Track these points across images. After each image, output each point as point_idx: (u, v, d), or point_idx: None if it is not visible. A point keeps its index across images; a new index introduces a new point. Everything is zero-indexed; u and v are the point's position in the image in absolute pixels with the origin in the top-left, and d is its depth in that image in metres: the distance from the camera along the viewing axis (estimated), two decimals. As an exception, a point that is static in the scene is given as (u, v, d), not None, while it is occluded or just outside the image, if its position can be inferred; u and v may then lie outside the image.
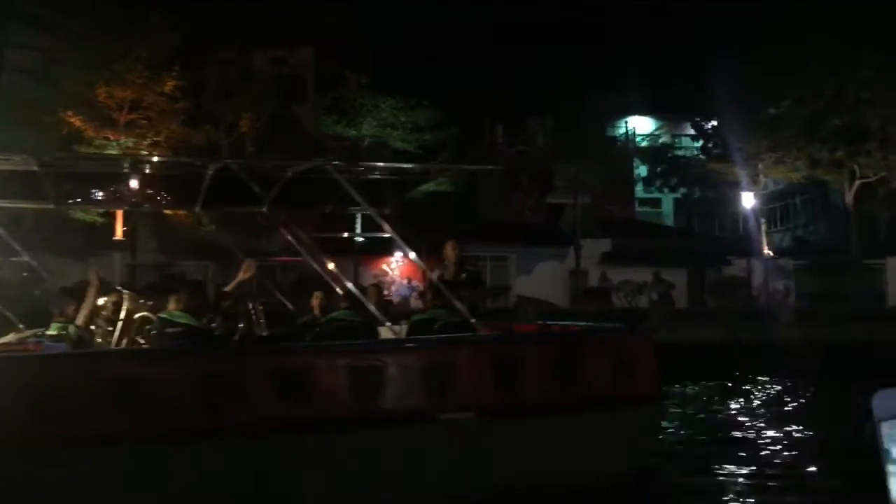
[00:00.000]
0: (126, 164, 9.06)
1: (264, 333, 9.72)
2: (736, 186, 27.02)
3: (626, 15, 32.82)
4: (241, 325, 9.13)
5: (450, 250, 9.68)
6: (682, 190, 34.31)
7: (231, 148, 21.05)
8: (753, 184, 26.09)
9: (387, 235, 8.98)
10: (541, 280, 29.32)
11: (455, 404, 7.75)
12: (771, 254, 26.63)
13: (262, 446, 6.67)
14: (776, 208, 41.67)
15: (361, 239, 21.69)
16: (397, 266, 28.09)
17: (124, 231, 20.49)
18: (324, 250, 10.15)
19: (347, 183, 8.18)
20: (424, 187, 24.07)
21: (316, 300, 8.91)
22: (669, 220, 41.75)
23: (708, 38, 26.30)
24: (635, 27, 33.17)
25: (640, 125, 40.27)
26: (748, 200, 26.16)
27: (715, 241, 32.39)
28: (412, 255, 8.80)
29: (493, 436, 7.42)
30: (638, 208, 41.26)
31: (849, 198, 25.29)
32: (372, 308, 8.17)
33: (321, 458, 6.88)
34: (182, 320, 7.18)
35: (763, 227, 27.25)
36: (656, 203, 41.68)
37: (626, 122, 37.03)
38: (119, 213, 20.32)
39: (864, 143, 22.52)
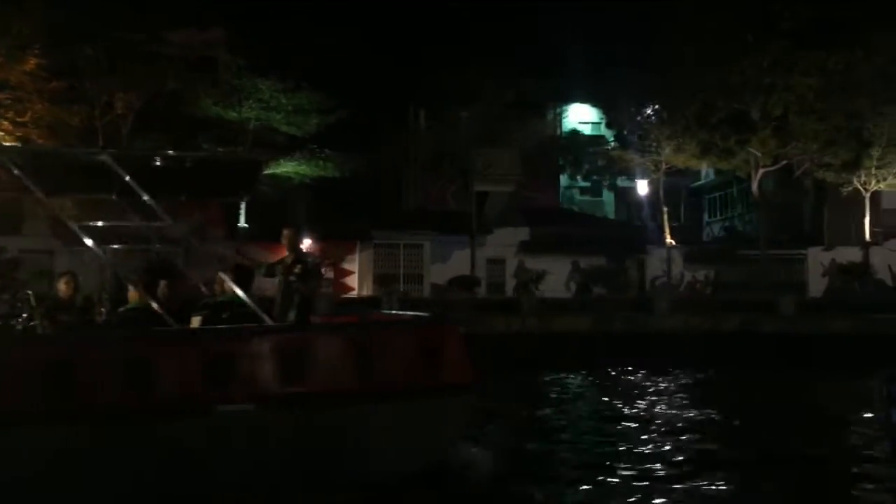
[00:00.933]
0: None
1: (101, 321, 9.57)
2: (646, 174, 26.56)
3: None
4: (24, 315, 8.90)
5: (287, 239, 9.36)
6: (593, 177, 33.82)
7: (106, 129, 20.53)
8: (656, 171, 25.68)
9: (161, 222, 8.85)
10: (457, 268, 28.85)
11: (233, 395, 7.47)
12: (673, 243, 26.17)
13: (25, 437, 6.46)
14: (716, 198, 41.44)
15: (245, 225, 21.33)
16: (328, 255, 27.55)
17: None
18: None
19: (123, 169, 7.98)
20: (310, 172, 23.70)
21: (159, 289, 8.75)
22: (611, 209, 41.38)
23: (619, 26, 25.89)
24: (567, 13, 32.45)
25: (582, 114, 39.74)
26: (643, 188, 25.73)
27: (637, 229, 31.94)
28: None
29: (274, 428, 7.25)
30: (579, 197, 40.88)
31: (754, 186, 24.89)
32: (150, 300, 7.97)
33: (85, 451, 6.66)
34: None
35: (665, 216, 26.73)
36: (598, 191, 41.21)
37: (556, 110, 36.45)
38: (-14, 198, 19.82)
39: (757, 132, 22.14)
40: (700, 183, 40.60)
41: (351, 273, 29.12)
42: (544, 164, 32.55)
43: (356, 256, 28.97)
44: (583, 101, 35.33)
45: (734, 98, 22.21)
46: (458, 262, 29.30)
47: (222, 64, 21.68)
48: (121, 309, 8.95)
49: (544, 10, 30.55)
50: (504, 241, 29.93)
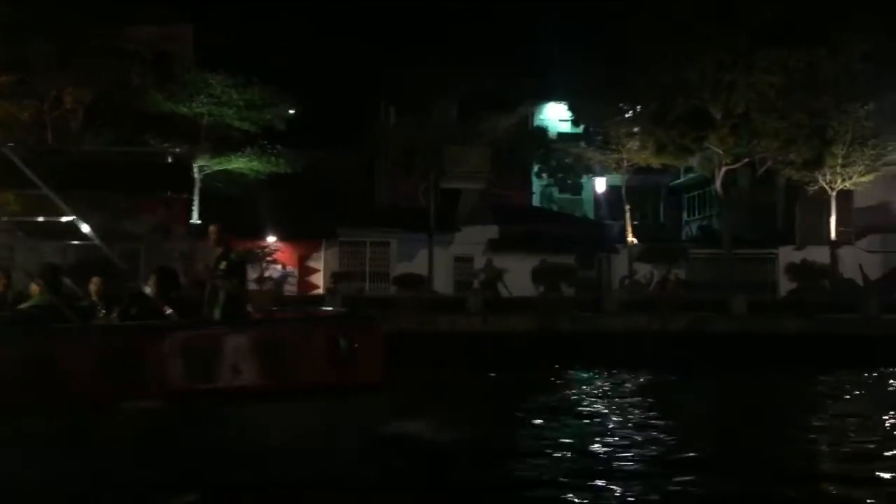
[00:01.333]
0: None
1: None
2: (611, 172, 26.37)
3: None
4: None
5: (213, 235, 9.26)
6: (559, 175, 33.57)
7: (56, 124, 20.38)
8: (618, 168, 25.48)
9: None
10: (423, 266, 28.64)
11: (140, 392, 7.37)
12: (635, 241, 25.94)
13: None
14: (694, 196, 41.14)
15: (198, 221, 21.16)
16: (271, 250, 27.39)
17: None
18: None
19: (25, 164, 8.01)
20: (262, 168, 23.55)
21: (93, 286, 8.89)
22: (590, 207, 41.12)
23: (584, 23, 25.72)
24: (538, 12, 32.21)
25: (561, 112, 39.46)
26: (601, 186, 25.54)
27: (608, 228, 31.73)
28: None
29: (182, 424, 7.23)
30: (558, 195, 40.62)
31: (717, 184, 24.67)
32: (50, 297, 7.93)
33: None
34: None
35: (628, 214, 26.50)
36: (577, 190, 40.91)
37: (529, 108, 36.15)
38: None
39: (716, 130, 21.93)
40: (679, 181, 40.32)
41: (317, 271, 28.95)
42: (517, 162, 32.33)
43: (322, 254, 28.81)
44: (551, 98, 35.04)
45: (693, 95, 22.00)
46: (423, 260, 29.08)
47: (177, 59, 21.49)
48: (21, 305, 8.84)
49: (515, 9, 30.36)
50: (472, 240, 29.71)
